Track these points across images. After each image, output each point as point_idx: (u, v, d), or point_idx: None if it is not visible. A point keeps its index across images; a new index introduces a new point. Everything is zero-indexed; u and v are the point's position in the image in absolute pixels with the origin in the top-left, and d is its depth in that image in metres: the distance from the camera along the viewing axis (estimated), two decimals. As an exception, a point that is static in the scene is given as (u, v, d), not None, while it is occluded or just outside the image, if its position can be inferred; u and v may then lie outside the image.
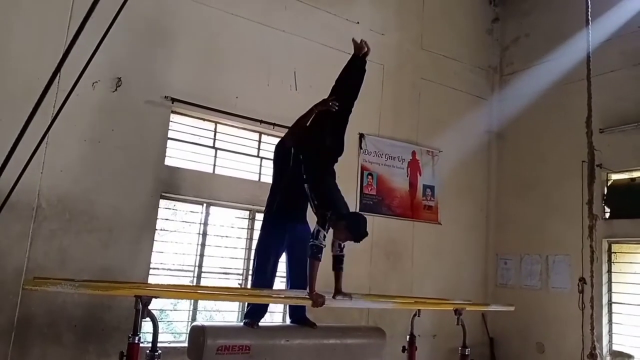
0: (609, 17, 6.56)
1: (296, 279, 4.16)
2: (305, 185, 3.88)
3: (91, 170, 4.99)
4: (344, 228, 3.65)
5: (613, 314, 6.43)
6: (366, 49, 4.18)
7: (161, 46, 5.46)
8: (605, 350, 6.24)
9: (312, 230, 3.76)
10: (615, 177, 6.64)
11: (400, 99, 7.32)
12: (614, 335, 6.40)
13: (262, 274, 4.07)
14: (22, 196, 4.58)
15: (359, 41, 4.16)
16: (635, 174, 6.45)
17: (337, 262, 3.96)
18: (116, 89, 5.13)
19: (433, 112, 7.57)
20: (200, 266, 5.55)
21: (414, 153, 7.34)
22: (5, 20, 4.71)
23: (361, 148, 6.82)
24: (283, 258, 4.26)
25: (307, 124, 4.15)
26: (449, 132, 7.63)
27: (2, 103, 4.54)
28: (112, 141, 5.11)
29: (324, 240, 3.63)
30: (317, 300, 3.65)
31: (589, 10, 3.72)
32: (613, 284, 6.47)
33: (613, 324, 6.42)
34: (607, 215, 6.57)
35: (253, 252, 4.53)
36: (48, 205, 4.75)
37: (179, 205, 5.65)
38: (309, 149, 4.01)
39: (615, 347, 6.33)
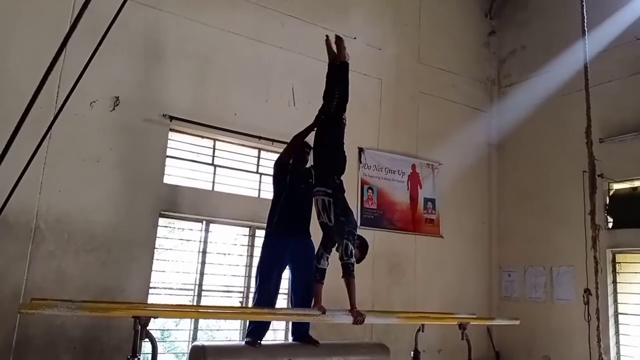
0: (605, 28, 6.59)
1: (300, 297, 4.10)
2: (323, 199, 3.88)
3: (90, 189, 4.96)
4: (357, 247, 3.81)
5: (620, 325, 6.34)
6: (341, 53, 4.27)
7: (158, 64, 5.47)
8: (613, 362, 6.14)
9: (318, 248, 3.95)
10: (616, 186, 6.60)
11: (399, 113, 7.32)
12: (621, 347, 6.30)
13: (265, 292, 4.01)
14: (20, 217, 4.56)
15: (331, 43, 4.23)
16: (636, 183, 6.41)
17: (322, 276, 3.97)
18: (114, 108, 5.13)
19: (432, 125, 7.57)
20: (200, 285, 5.49)
21: (413, 166, 7.32)
22: (3, 39, 4.72)
23: (361, 162, 6.81)
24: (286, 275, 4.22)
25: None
26: (448, 145, 7.62)
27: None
28: (111, 160, 5.10)
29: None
30: (357, 318, 3.68)
31: (585, 21, 3.71)
32: (618, 295, 6.39)
33: (620, 335, 6.33)
34: (610, 225, 6.51)
35: (254, 269, 4.48)
36: (46, 225, 4.71)
37: (179, 223, 5.60)
38: (325, 160, 4.06)
39: (623, 359, 6.23)
